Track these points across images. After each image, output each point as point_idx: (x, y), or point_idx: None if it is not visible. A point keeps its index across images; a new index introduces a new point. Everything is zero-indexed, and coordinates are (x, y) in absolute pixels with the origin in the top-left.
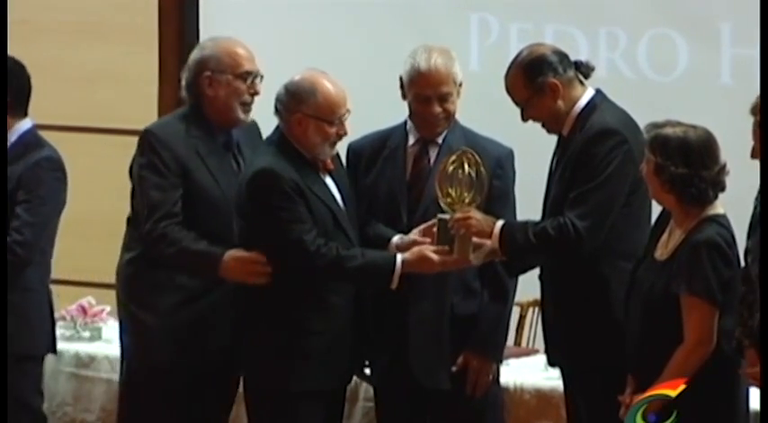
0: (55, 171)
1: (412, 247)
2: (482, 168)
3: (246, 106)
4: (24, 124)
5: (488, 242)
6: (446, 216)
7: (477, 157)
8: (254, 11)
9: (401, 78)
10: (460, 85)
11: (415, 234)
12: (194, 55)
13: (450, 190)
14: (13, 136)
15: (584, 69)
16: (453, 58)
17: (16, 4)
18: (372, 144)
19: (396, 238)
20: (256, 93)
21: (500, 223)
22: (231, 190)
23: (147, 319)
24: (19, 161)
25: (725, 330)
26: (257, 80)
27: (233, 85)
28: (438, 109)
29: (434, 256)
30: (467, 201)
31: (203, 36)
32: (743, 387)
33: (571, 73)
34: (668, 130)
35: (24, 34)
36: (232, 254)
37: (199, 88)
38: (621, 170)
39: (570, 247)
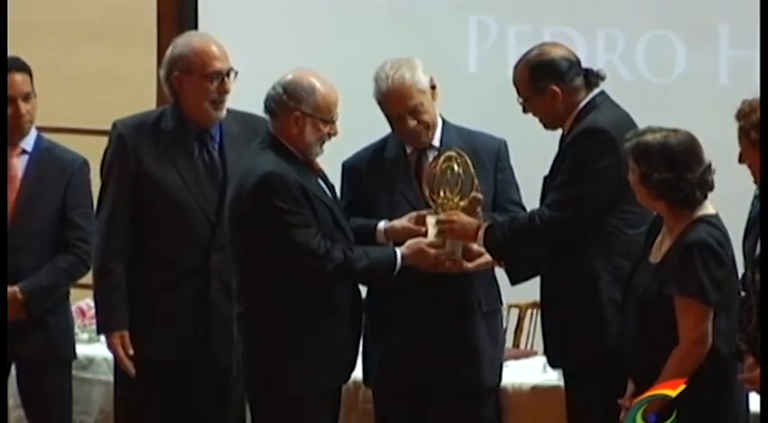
0: (89, 174)
1: (404, 232)
2: (471, 169)
3: (218, 105)
4: (33, 131)
5: (485, 253)
6: (435, 216)
7: (465, 157)
8: (253, 12)
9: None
10: (433, 88)
11: (405, 220)
12: (168, 52)
13: (440, 190)
14: (31, 141)
15: (593, 79)
16: (414, 67)
17: (15, 5)
18: (368, 158)
19: (382, 224)
20: (226, 91)
21: (485, 225)
22: (199, 191)
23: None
24: (55, 167)
25: (721, 330)
26: (228, 78)
27: (201, 86)
28: (413, 123)
29: (430, 250)
30: (456, 200)
31: None
32: (741, 387)
33: (578, 81)
34: (648, 137)
35: (23, 36)
36: None
37: (171, 87)
38: (604, 169)
39: (537, 235)
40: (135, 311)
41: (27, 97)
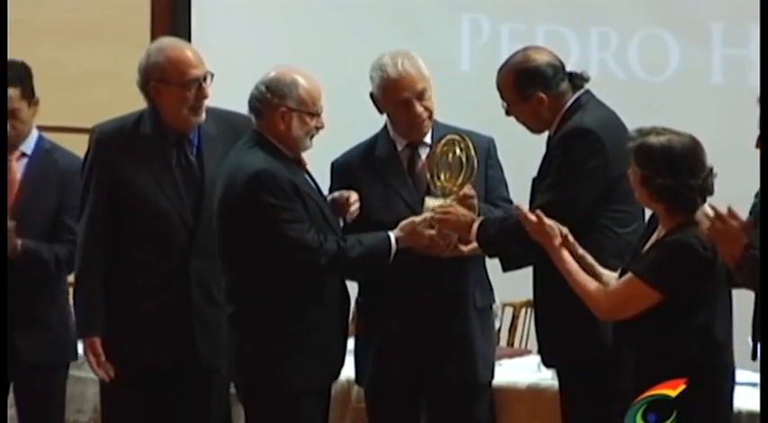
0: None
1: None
2: (472, 153)
3: (197, 110)
4: (34, 132)
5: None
6: (434, 199)
7: (468, 141)
8: (246, 12)
9: (372, 94)
10: (429, 79)
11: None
12: (141, 61)
13: (441, 174)
14: (32, 143)
15: (578, 81)
16: (416, 57)
17: (13, 4)
18: (359, 156)
19: (336, 194)
20: (205, 97)
21: (479, 220)
22: (177, 196)
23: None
24: (54, 170)
25: (696, 326)
26: (205, 84)
27: (179, 94)
28: (420, 108)
29: (424, 231)
30: (457, 183)
31: (195, 36)
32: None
33: (564, 86)
34: (652, 140)
35: (20, 35)
36: None
37: (148, 95)
38: (591, 170)
39: (527, 236)
40: (116, 317)
41: (14, 114)
